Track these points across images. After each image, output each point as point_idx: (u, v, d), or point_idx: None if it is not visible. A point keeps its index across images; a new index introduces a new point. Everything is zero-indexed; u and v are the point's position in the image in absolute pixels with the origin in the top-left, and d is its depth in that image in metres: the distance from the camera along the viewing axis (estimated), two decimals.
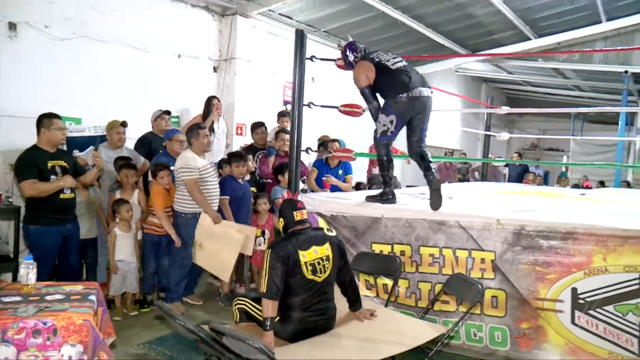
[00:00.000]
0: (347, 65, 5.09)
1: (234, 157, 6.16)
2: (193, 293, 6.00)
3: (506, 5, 9.82)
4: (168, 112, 6.82)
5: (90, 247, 5.54)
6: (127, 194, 5.59)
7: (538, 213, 4.49)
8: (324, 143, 7.35)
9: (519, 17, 10.54)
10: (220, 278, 5.72)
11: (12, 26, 6.08)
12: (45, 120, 4.82)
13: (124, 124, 6.12)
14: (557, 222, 4.12)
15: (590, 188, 11.63)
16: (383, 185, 5.11)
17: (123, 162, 5.74)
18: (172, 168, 5.73)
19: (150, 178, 6.06)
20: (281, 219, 3.78)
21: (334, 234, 3.84)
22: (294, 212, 3.71)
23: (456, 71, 15.66)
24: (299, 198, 4.98)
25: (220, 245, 5.41)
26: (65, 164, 4.91)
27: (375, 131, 4.95)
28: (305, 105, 5.26)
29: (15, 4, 6.12)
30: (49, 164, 4.78)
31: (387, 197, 5.02)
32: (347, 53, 5.05)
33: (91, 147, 6.09)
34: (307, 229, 3.72)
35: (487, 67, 15.02)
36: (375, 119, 4.93)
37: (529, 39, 11.76)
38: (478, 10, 10.05)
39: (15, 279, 5.19)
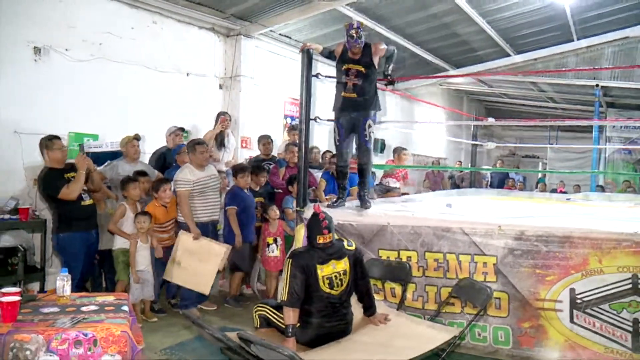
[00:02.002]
0: (360, 39, 5.01)
1: (238, 170, 6.12)
2: (207, 299, 5.93)
3: (488, 24, 9.89)
4: (183, 129, 6.77)
5: (108, 258, 5.46)
6: (133, 207, 5.43)
7: (536, 219, 4.49)
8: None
9: (500, 35, 10.62)
10: (199, 291, 5.45)
11: (37, 50, 6.06)
12: (47, 142, 4.94)
13: (137, 137, 6.06)
14: (555, 227, 4.11)
15: (565, 192, 11.74)
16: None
17: (127, 178, 5.54)
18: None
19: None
20: (307, 230, 3.71)
21: (353, 247, 3.76)
22: (317, 236, 3.57)
23: (440, 85, 15.73)
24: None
25: (200, 259, 5.30)
26: (75, 174, 4.98)
27: (366, 139, 5.02)
28: (312, 119, 5.23)
29: (40, 29, 6.11)
30: (65, 177, 4.91)
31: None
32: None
33: (108, 161, 6.05)
34: (329, 245, 3.64)
35: (469, 80, 15.10)
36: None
37: (509, 55, 11.87)
38: (462, 29, 10.11)
39: (42, 289, 5.12)
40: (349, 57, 5.07)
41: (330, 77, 5.48)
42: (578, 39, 11.07)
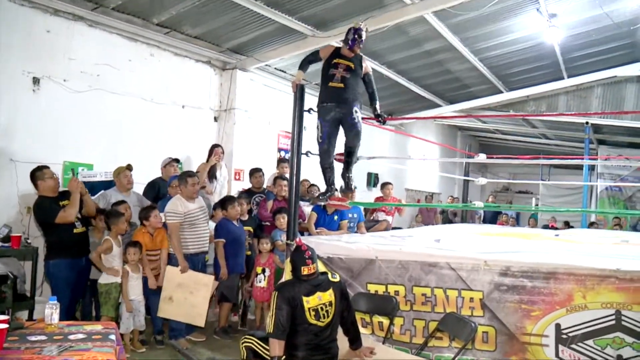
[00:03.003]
0: (362, 41, 5.20)
1: (227, 201, 6.21)
2: (196, 329, 5.94)
3: (480, 62, 10.14)
4: (177, 160, 6.88)
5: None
6: (117, 242, 5.40)
7: (521, 254, 4.55)
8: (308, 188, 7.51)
9: (492, 72, 10.89)
10: (194, 324, 5.51)
11: (36, 81, 6.21)
12: (37, 173, 5.10)
13: (129, 167, 6.16)
14: (540, 263, 4.18)
15: (556, 228, 11.80)
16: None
17: (113, 211, 5.52)
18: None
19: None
20: (290, 264, 3.78)
21: (337, 279, 3.82)
22: (302, 267, 3.63)
23: (434, 120, 15.96)
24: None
25: (191, 291, 5.35)
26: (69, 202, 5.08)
27: (355, 121, 5.15)
28: (303, 154, 5.32)
29: (40, 60, 6.27)
30: (60, 204, 5.03)
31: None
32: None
33: (102, 190, 6.13)
34: (314, 276, 3.71)
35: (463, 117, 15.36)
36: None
37: (501, 92, 12.15)
38: (456, 66, 10.36)
39: (31, 317, 5.13)
40: (342, 54, 5.24)
41: None
42: (568, 77, 11.43)
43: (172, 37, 7.72)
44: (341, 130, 5.30)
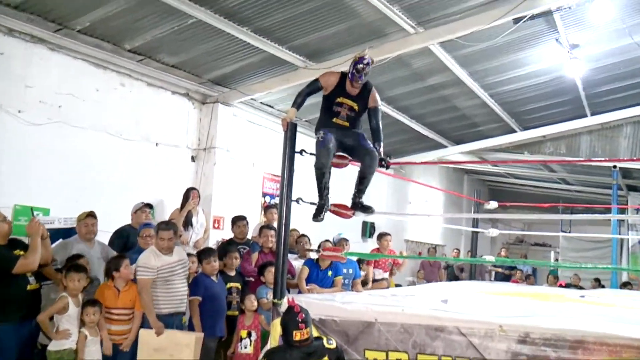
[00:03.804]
0: (366, 76, 5.16)
1: (203, 254, 6.14)
2: None
3: (491, 97, 10.29)
4: (149, 206, 6.83)
5: None
6: (75, 300, 5.17)
7: (542, 318, 4.49)
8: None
9: (504, 109, 11.03)
10: None
11: None
12: None
13: (92, 214, 6.06)
14: (565, 329, 4.10)
15: (581, 288, 11.70)
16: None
17: (70, 265, 5.35)
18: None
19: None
20: (281, 328, 3.70)
21: (334, 345, 3.76)
22: (294, 332, 3.60)
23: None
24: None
25: (170, 355, 5.18)
26: (23, 252, 4.94)
27: (369, 144, 5.19)
28: (293, 201, 5.29)
29: None
30: (14, 253, 4.86)
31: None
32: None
33: (60, 240, 6.02)
34: (307, 343, 3.62)
35: (471, 158, 15.45)
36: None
37: (515, 131, 12.27)
38: (463, 102, 10.50)
39: None
40: (346, 92, 5.22)
41: (314, 154, 5.60)
42: (592, 115, 11.51)
43: (146, 66, 7.78)
44: None
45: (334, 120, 5.24)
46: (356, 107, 5.25)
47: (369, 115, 5.33)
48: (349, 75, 5.16)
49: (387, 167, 5.43)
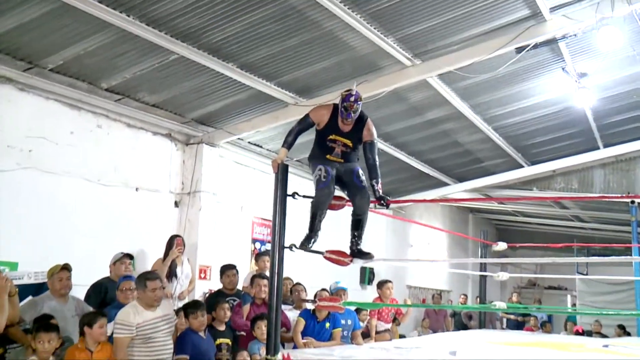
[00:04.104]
0: (355, 113, 5.16)
1: (190, 308, 6.07)
2: None
3: (495, 131, 10.37)
4: (130, 256, 6.77)
5: None
6: None
7: None
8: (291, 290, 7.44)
9: (509, 143, 11.12)
10: None
11: None
12: None
13: (67, 267, 6.00)
14: None
15: (604, 336, 11.55)
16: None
17: (39, 325, 5.19)
18: None
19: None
20: None
21: None
22: None
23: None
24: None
25: None
26: None
27: (362, 184, 5.23)
28: (286, 247, 5.27)
29: None
30: None
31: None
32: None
33: (30, 297, 5.95)
34: None
35: (475, 196, 15.49)
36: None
37: (522, 166, 12.34)
38: (465, 137, 10.59)
39: None
40: (339, 129, 5.25)
41: (308, 197, 5.62)
42: (605, 147, 11.58)
43: (124, 105, 7.82)
44: None
45: (328, 157, 5.28)
46: (350, 144, 5.29)
47: (364, 150, 5.34)
48: (340, 114, 5.21)
49: (387, 206, 5.43)
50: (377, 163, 5.32)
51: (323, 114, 5.31)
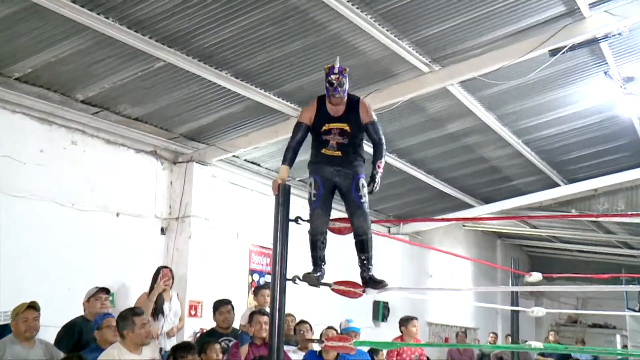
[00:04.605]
0: (341, 87, 5.11)
1: (178, 350, 6.03)
2: None
3: (527, 145, 10.35)
4: (106, 290, 6.72)
5: None
6: None
7: None
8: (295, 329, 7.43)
9: (543, 159, 11.10)
10: None
11: None
12: None
13: (33, 306, 5.94)
14: None
15: None
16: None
17: None
18: None
19: None
20: None
21: None
22: None
23: (464, 225, 16.06)
24: None
25: None
26: None
27: (361, 200, 5.10)
28: (289, 279, 5.25)
29: None
30: None
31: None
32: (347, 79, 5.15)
33: None
34: None
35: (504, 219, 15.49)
36: None
37: (558, 185, 12.30)
38: (491, 152, 10.58)
39: None
40: (330, 115, 5.22)
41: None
42: None
43: (103, 119, 7.83)
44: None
45: (323, 151, 5.20)
46: (347, 128, 5.22)
47: (367, 133, 5.32)
48: (326, 94, 5.19)
49: (371, 192, 5.37)
50: (383, 141, 5.31)
51: (310, 109, 5.30)
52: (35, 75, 6.83)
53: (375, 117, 5.33)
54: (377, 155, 5.28)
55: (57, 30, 6.05)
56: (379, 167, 5.19)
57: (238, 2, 5.88)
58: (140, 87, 7.24)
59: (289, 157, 5.33)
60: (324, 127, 5.22)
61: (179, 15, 6.01)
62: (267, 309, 7.24)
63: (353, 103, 5.28)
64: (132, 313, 5.49)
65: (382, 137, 5.31)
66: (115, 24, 6.02)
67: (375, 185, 5.22)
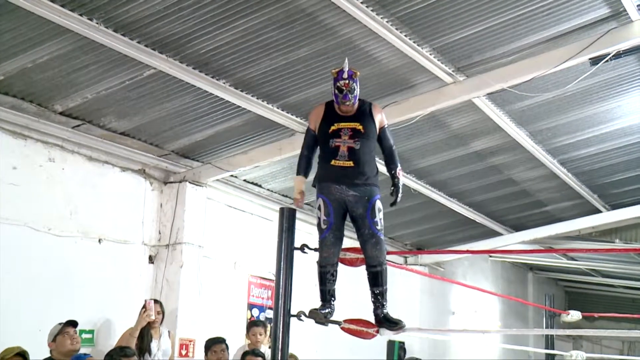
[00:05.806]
0: (352, 94, 5.16)
1: None
2: None
3: (563, 166, 10.30)
4: (74, 324, 6.64)
5: None
6: None
7: None
8: None
9: (582, 182, 11.03)
10: None
11: None
12: None
13: (22, 354, 5.94)
14: None
15: None
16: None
17: None
18: None
19: None
20: None
21: None
22: None
23: (490, 256, 15.98)
24: None
25: None
26: None
27: (376, 227, 5.13)
28: (293, 316, 5.22)
29: None
30: None
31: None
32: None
33: None
34: None
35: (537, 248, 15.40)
36: None
37: (599, 212, 12.23)
38: (522, 174, 10.54)
39: None
40: (338, 115, 5.26)
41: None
42: None
43: (84, 134, 7.84)
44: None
45: (332, 162, 5.19)
46: (360, 128, 5.23)
47: (380, 141, 5.41)
48: (335, 101, 5.24)
49: (394, 203, 5.38)
50: (394, 147, 5.44)
51: (317, 113, 5.41)
52: (7, 83, 6.81)
53: (387, 123, 5.45)
54: (394, 162, 5.39)
55: (34, 32, 6.02)
56: (399, 174, 5.31)
57: (238, 3, 5.85)
58: (127, 98, 7.24)
59: (303, 166, 5.43)
60: (333, 127, 5.24)
61: (171, 18, 5.99)
62: (262, 349, 7.26)
63: (365, 106, 5.36)
64: (122, 354, 5.46)
65: (393, 142, 5.45)
66: (100, 26, 5.99)
67: (399, 196, 5.25)
